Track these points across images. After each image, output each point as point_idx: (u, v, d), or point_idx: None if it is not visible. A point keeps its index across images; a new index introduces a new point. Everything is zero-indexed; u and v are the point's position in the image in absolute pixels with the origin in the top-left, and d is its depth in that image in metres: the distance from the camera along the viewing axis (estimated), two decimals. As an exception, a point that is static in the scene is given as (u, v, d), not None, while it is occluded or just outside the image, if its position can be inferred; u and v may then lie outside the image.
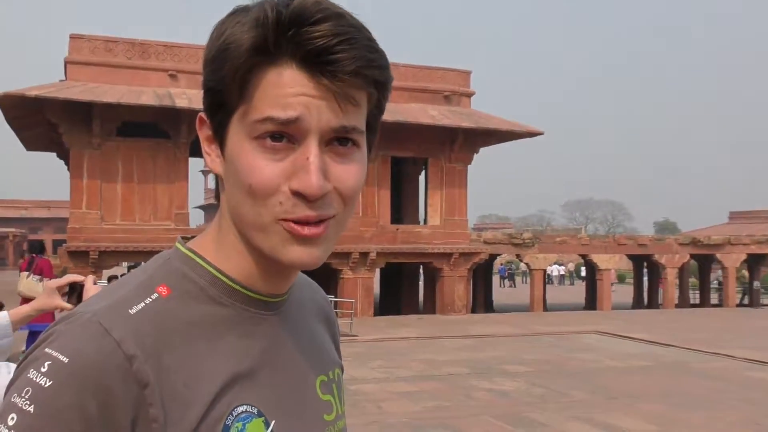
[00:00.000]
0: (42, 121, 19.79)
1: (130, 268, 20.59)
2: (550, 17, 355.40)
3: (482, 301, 27.07)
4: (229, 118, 0.77)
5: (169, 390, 0.74)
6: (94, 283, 2.21)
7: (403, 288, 25.58)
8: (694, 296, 30.79)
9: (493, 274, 31.41)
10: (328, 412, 0.91)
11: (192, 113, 18.78)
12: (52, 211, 74.09)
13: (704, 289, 29.93)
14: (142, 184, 19.71)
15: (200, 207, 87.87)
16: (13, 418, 0.70)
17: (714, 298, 29.94)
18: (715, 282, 31.90)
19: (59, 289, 2.27)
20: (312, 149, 0.74)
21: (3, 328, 2.24)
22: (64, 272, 16.40)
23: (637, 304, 29.74)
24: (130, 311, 0.76)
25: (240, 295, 0.83)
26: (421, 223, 24.50)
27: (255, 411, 0.79)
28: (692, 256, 27.20)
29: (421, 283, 25.54)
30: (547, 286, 30.04)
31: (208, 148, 0.83)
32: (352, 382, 10.44)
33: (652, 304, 28.93)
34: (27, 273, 7.85)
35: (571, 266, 56.82)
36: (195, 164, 75.92)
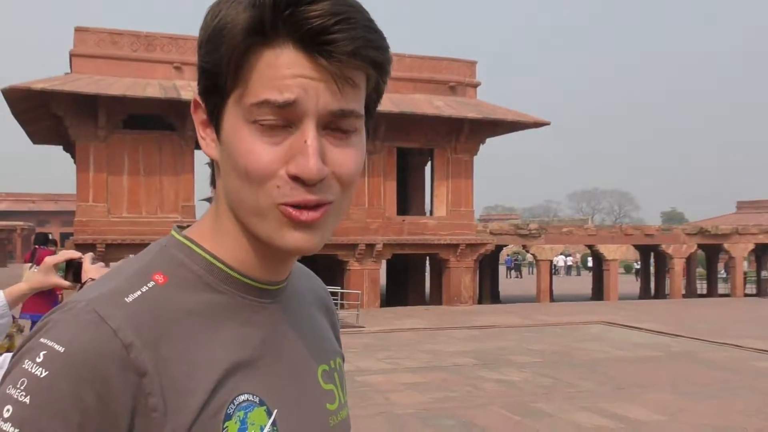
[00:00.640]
0: (48, 115, 19.84)
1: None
2: (557, 5, 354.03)
3: (489, 292, 27.07)
4: (225, 101, 0.76)
5: (168, 379, 0.72)
6: (93, 262, 2.18)
7: (409, 279, 25.59)
8: (701, 286, 30.72)
9: (499, 265, 31.39)
10: (330, 402, 0.90)
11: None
12: (59, 204, 74.31)
13: (711, 278, 29.84)
14: (149, 176, 19.74)
15: (206, 199, 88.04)
16: (8, 410, 0.68)
17: (722, 288, 29.85)
18: (723, 272, 31.81)
19: (56, 266, 2.24)
20: (310, 132, 0.73)
21: None
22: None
23: (644, 294, 29.68)
24: (126, 299, 0.75)
25: (237, 282, 0.82)
26: (428, 214, 24.48)
27: (257, 400, 0.78)
28: (699, 246, 27.10)
29: (427, 275, 25.55)
30: (554, 276, 30.00)
31: (203, 133, 0.81)
32: (358, 373, 10.46)
33: (659, 294, 28.88)
34: (30, 264, 7.84)
35: (578, 257, 56.76)
36: (201, 156, 75.94)
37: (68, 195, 65.05)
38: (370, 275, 21.72)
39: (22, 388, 0.69)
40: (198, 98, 0.80)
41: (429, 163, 24.09)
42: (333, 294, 19.96)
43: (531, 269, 47.36)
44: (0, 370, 1.95)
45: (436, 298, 23.38)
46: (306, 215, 0.74)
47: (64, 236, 25.02)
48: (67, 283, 2.22)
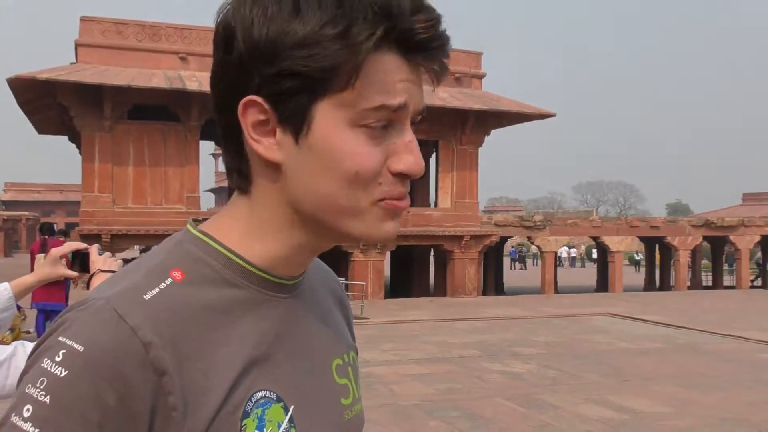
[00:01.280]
0: (53, 105, 19.84)
1: (142, 251, 20.68)
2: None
3: (493, 284, 27.07)
4: (313, 104, 0.74)
5: (187, 378, 0.72)
6: (100, 253, 2.18)
7: (413, 270, 25.60)
8: (707, 278, 30.66)
9: (503, 257, 31.37)
10: (345, 396, 0.89)
11: (202, 96, 18.77)
12: (64, 195, 74.56)
13: (717, 270, 29.78)
14: (154, 167, 19.74)
15: (211, 190, 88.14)
16: (28, 410, 0.68)
17: (727, 279, 29.79)
18: (728, 264, 31.74)
19: (63, 257, 2.23)
20: (410, 131, 0.78)
21: (2, 302, 2.20)
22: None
23: (650, 286, 29.64)
24: (144, 297, 0.74)
25: (255, 276, 0.81)
26: (432, 205, 24.47)
27: (274, 396, 0.78)
28: (705, 238, 27.05)
29: (431, 266, 25.56)
30: (558, 268, 29.99)
31: (256, 135, 0.77)
32: (363, 364, 10.47)
33: (664, 286, 28.84)
34: (43, 255, 7.86)
35: (582, 248, 56.71)
36: (205, 147, 75.98)
37: (73, 185, 65.26)
38: (375, 266, 21.73)
39: (41, 387, 0.68)
40: (255, 99, 0.75)
41: (434, 155, 24.06)
42: (338, 285, 20.12)
43: (535, 261, 47.35)
44: (9, 359, 1.95)
45: (441, 290, 23.39)
46: (404, 203, 0.79)
47: (69, 226, 25.07)
48: (74, 273, 2.20)
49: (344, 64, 0.72)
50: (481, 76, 23.36)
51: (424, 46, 0.74)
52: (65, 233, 12.59)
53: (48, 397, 0.68)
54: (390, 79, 0.74)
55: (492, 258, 27.04)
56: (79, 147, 21.32)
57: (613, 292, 24.75)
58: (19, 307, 2.35)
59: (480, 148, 23.20)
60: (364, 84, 0.73)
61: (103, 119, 19.11)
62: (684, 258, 26.15)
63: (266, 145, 0.77)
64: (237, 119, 0.76)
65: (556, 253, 26.12)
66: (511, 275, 36.92)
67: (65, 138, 26.21)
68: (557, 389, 9.11)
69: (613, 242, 25.28)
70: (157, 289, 0.75)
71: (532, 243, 25.60)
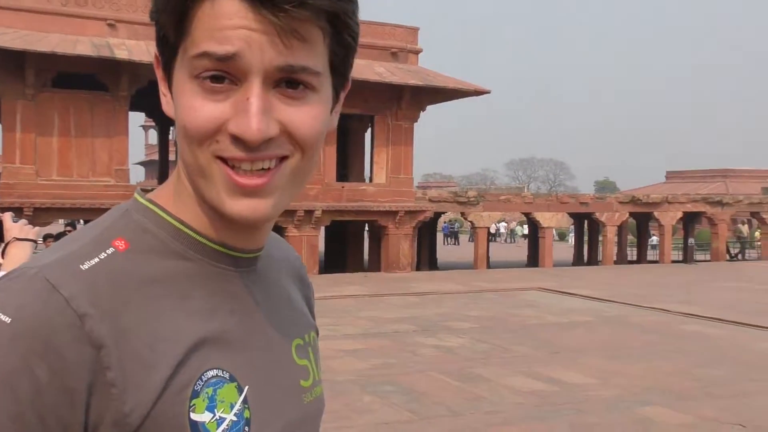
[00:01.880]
0: (-30, 71, 18.87)
1: (67, 225, 20.00)
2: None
3: (426, 259, 27.32)
4: (174, 56, 0.70)
5: (128, 352, 0.66)
6: (15, 221, 2.06)
7: (348, 246, 25.60)
8: (632, 253, 31.71)
9: (437, 232, 31.70)
10: (304, 378, 0.84)
11: (132, 65, 18.15)
12: (-17, 166, 71.41)
13: (642, 246, 30.82)
14: (80, 138, 19.04)
15: (140, 163, 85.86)
16: None
17: (650, 255, 30.88)
18: (654, 239, 32.88)
19: None
20: (254, 89, 0.66)
21: None
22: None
23: (578, 261, 30.47)
24: (81, 267, 0.68)
25: (207, 249, 0.76)
26: (367, 180, 24.45)
27: (227, 376, 0.72)
28: (631, 214, 27.91)
29: (366, 241, 25.61)
30: (497, 243, 30.49)
31: (164, 89, 0.75)
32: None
33: (592, 261, 29.69)
34: None
35: (513, 224, 57.75)
36: (135, 119, 73.77)
37: (-7, 156, 62.49)
38: (309, 241, 21.62)
39: None
40: (157, 52, 0.74)
41: (369, 130, 24.00)
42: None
43: (471, 237, 48.05)
44: None
45: (375, 265, 23.47)
46: (247, 180, 0.68)
47: (-10, 199, 24.05)
48: None
49: (173, 6, 0.67)
50: (417, 52, 23.35)
51: None
52: None
53: None
54: (220, 24, 0.65)
55: (426, 233, 27.26)
56: (-1, 116, 20.40)
57: (543, 267, 25.33)
58: None
59: (415, 124, 23.26)
60: (197, 29, 0.67)
61: (25, 87, 18.27)
62: (611, 234, 26.95)
63: (167, 99, 0.75)
64: None
65: (488, 228, 26.53)
66: (444, 251, 37.36)
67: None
68: (490, 362, 9.29)
69: (544, 218, 25.82)
70: (96, 259, 0.70)
71: (466, 219, 25.91)
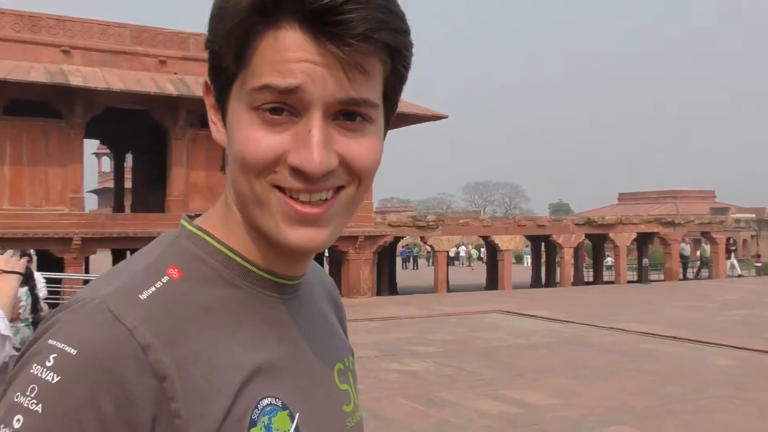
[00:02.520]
0: None
1: (22, 256, 19.48)
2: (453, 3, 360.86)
3: (387, 284, 27.32)
4: (230, 85, 0.71)
5: (189, 382, 0.67)
6: (0, 253, 2.03)
7: (308, 271, 25.46)
8: (588, 274, 32.20)
9: (396, 257, 31.76)
10: (346, 403, 0.86)
11: (87, 92, 17.92)
12: (-72, 196, 69.22)
13: (598, 267, 31.33)
14: (33, 166, 18.65)
15: (94, 191, 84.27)
16: (18, 420, 0.62)
17: (606, 275, 31.40)
18: (609, 260, 33.47)
19: None
20: (315, 122, 0.67)
21: None
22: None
23: (536, 282, 30.81)
24: (140, 296, 0.69)
25: (255, 276, 0.77)
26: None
27: (279, 404, 0.74)
28: (587, 235, 28.40)
29: (326, 267, 25.52)
30: (456, 266, 30.63)
31: (214, 117, 0.76)
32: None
33: (550, 282, 30.06)
34: None
35: (470, 248, 58.16)
36: (90, 146, 72.53)
37: (-61, 186, 60.66)
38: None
39: (32, 395, 0.62)
40: (208, 81, 0.75)
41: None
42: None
43: (429, 260, 48.21)
44: None
45: (336, 290, 23.37)
46: (308, 209, 0.70)
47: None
48: None
49: (230, 36, 0.68)
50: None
51: (324, 19, 0.65)
52: None
53: (39, 405, 0.62)
54: (282, 57, 0.66)
55: (385, 258, 27.29)
56: (-52, 144, 19.87)
57: (502, 290, 25.54)
58: None
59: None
60: (258, 62, 0.67)
61: (-25, 115, 17.89)
62: (568, 255, 27.36)
63: (217, 128, 0.76)
64: None
65: (448, 252, 26.69)
66: (403, 275, 37.42)
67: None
68: (455, 386, 9.30)
69: (502, 241, 26.09)
70: (153, 288, 0.70)
71: (425, 243, 26.04)
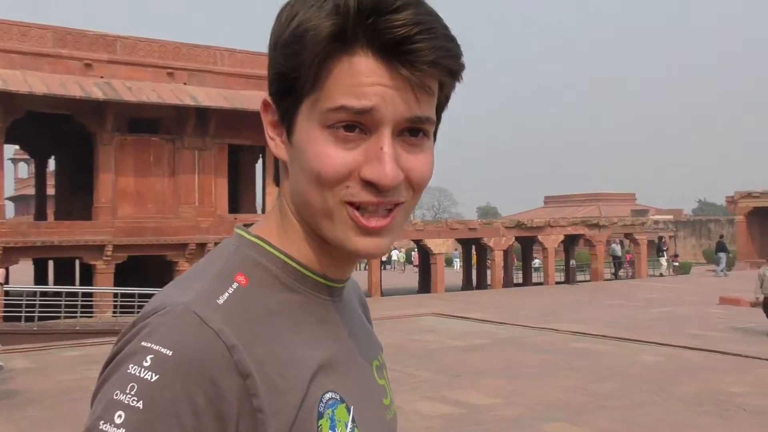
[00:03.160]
0: None
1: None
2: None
3: (321, 289, 27.24)
4: (299, 105, 0.77)
5: (266, 380, 0.73)
6: None
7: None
8: (518, 276, 32.92)
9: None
10: (385, 397, 0.93)
11: (8, 96, 17.27)
12: None
13: (527, 268, 32.08)
14: (-50, 173, 17.86)
15: (10, 198, 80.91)
16: (120, 416, 0.67)
17: (535, 277, 32.18)
18: (536, 262, 34.30)
19: None
20: (386, 139, 0.74)
21: None
22: None
23: (467, 285, 31.29)
24: (218, 301, 0.75)
25: (311, 281, 0.83)
26: (259, 212, 24.22)
27: (338, 397, 0.80)
28: (517, 238, 29.04)
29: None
30: (391, 270, 30.78)
31: (273, 133, 0.82)
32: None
33: (481, 285, 30.59)
34: None
35: (402, 251, 58.52)
36: (8, 152, 69.60)
37: None
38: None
39: (132, 393, 0.68)
40: (269, 99, 0.81)
41: (261, 160, 23.85)
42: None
43: (362, 265, 48.19)
44: None
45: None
46: (375, 222, 0.77)
47: None
48: None
49: (308, 62, 0.74)
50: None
51: (396, 46, 0.72)
52: None
53: (141, 402, 0.67)
54: (357, 81, 0.72)
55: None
56: None
57: (436, 293, 25.84)
58: None
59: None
60: (332, 85, 0.74)
61: None
62: (499, 258, 27.92)
63: (277, 143, 0.82)
64: None
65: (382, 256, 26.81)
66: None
67: None
68: (395, 389, 9.37)
69: (434, 244, 26.42)
70: (227, 294, 0.76)
71: (359, 247, 26.08)
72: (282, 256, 0.82)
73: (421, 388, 9.43)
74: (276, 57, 0.78)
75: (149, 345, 0.70)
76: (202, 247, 20.79)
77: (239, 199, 24.82)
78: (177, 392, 0.68)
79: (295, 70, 0.75)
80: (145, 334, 0.71)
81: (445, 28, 0.75)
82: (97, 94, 18.69)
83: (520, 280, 32.33)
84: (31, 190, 35.28)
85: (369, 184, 0.74)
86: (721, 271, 30.10)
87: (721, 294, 20.46)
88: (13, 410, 8.42)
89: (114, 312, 18.90)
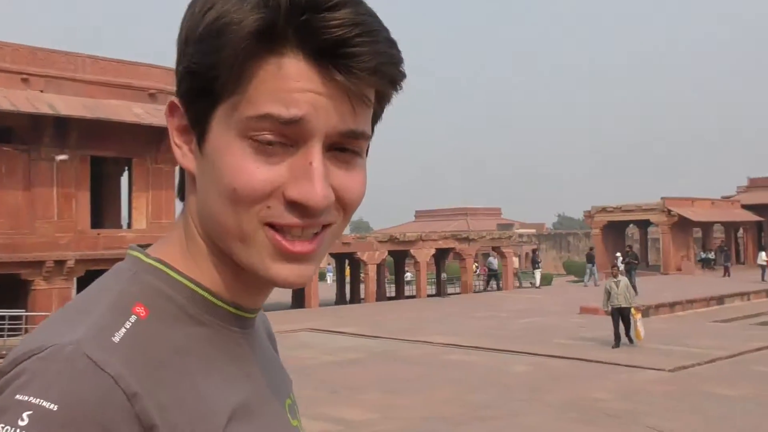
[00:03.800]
0: None
1: None
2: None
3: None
4: (214, 109, 0.65)
5: (172, 431, 0.61)
6: None
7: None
8: (390, 289, 33.31)
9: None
10: None
11: None
12: None
13: (399, 282, 32.53)
14: None
15: None
16: None
17: (407, 290, 32.70)
18: (408, 275, 34.86)
19: None
20: (315, 154, 0.64)
21: None
22: None
23: (341, 299, 31.31)
24: (113, 339, 0.62)
25: (221, 312, 0.72)
26: (125, 226, 23.14)
27: None
28: (390, 252, 29.39)
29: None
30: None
31: (179, 140, 0.70)
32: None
33: (354, 298, 30.69)
34: None
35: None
36: None
37: None
38: (61, 295, 19.84)
39: None
40: (176, 101, 0.68)
41: (127, 173, 22.83)
42: (17, 318, 17.90)
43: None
44: None
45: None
46: (299, 247, 0.66)
47: None
48: None
49: (228, 61, 0.63)
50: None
51: (332, 49, 0.62)
52: None
53: None
54: (285, 86, 0.62)
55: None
56: None
57: (310, 308, 25.65)
58: None
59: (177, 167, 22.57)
60: (256, 89, 0.63)
61: None
62: (372, 272, 28.12)
63: (184, 151, 0.71)
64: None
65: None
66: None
67: None
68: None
69: (308, 259, 26.25)
70: (123, 330, 0.63)
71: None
72: (188, 283, 0.70)
73: (300, 405, 9.23)
74: (187, 52, 0.66)
75: (26, 398, 0.55)
76: (60, 264, 19.56)
77: (103, 213, 23.59)
78: None
79: (211, 69, 0.64)
80: (20, 384, 0.57)
81: (387, 30, 0.66)
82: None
83: (393, 294, 32.70)
84: None
85: (295, 205, 0.64)
86: (590, 281, 31.86)
87: (581, 304, 21.61)
88: None
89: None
